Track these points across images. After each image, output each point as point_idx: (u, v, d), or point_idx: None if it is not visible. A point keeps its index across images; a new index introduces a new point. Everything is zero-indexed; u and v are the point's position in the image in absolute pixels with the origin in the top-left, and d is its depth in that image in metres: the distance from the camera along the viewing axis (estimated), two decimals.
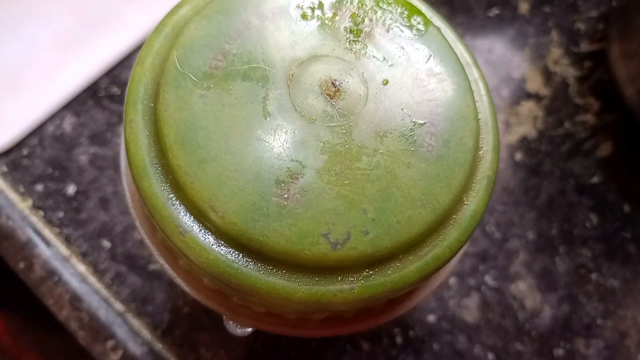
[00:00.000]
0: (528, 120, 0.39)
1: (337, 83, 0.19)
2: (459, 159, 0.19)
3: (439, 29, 0.21)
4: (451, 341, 0.33)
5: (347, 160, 0.18)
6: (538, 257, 0.36)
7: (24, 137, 0.36)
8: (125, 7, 0.40)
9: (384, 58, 0.20)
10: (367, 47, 0.20)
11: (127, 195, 0.22)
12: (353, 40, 0.20)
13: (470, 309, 0.34)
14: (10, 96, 0.37)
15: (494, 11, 0.42)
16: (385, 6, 0.21)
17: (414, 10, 0.21)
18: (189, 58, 0.19)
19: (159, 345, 0.32)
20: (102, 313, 0.32)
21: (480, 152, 0.20)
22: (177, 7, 0.21)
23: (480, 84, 0.21)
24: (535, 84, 0.40)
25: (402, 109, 0.19)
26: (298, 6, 0.20)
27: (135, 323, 0.32)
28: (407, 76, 0.20)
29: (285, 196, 0.17)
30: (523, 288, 0.35)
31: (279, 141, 0.18)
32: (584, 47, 0.42)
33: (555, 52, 0.41)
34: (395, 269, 0.18)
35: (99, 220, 0.34)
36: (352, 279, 0.18)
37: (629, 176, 0.38)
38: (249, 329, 0.23)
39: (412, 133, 0.19)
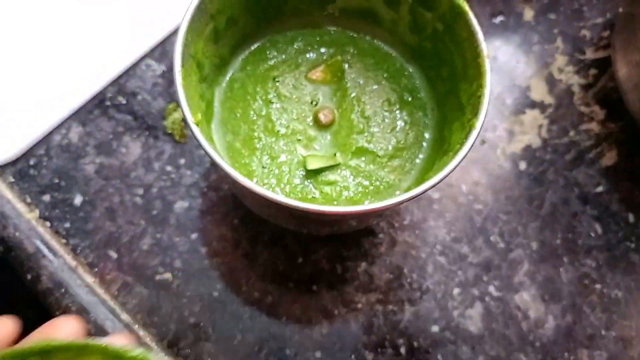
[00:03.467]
0: (532, 129, 0.39)
1: None
2: None
3: None
4: (455, 351, 0.34)
5: None
6: (542, 267, 0.36)
7: (30, 147, 0.36)
8: (132, 17, 0.40)
9: None
10: None
11: None
12: None
13: (474, 319, 0.34)
14: (16, 106, 0.37)
15: (499, 18, 0.42)
16: None
17: None
18: None
19: (165, 356, 0.32)
20: (109, 325, 0.32)
21: None
22: None
23: None
24: (540, 92, 0.40)
25: None
26: None
27: (142, 334, 0.32)
28: None
29: None
30: (527, 298, 0.35)
31: None
32: (589, 54, 0.42)
33: (560, 59, 0.41)
34: None
35: (106, 231, 0.35)
36: None
37: (633, 185, 0.38)
38: None
39: None
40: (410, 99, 0.31)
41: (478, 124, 0.25)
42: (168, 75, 0.39)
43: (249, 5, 0.29)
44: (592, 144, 0.39)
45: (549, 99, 0.40)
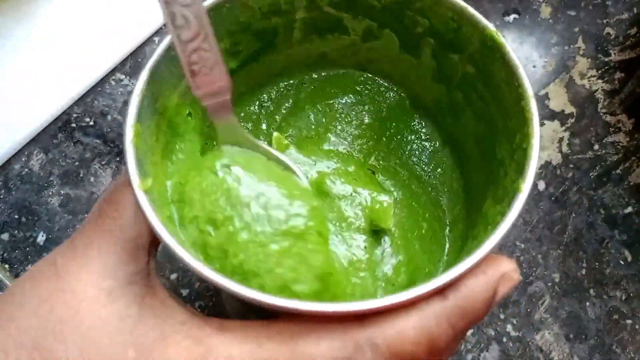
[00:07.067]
0: (552, 144, 0.35)
1: None
2: None
3: None
4: None
5: None
6: (565, 302, 0.32)
7: None
8: (98, 24, 0.36)
9: None
10: None
11: None
12: None
13: None
14: None
15: (512, 16, 0.38)
16: None
17: None
18: None
19: None
20: None
21: None
22: None
23: None
24: (560, 100, 0.36)
25: None
26: None
27: None
28: None
29: None
30: (549, 338, 0.31)
31: None
32: (615, 55, 0.37)
33: (582, 62, 0.37)
34: None
35: None
36: None
37: None
38: None
39: None
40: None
41: (525, 187, 0.18)
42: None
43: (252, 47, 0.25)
44: (620, 159, 0.35)
45: (569, 108, 0.36)
